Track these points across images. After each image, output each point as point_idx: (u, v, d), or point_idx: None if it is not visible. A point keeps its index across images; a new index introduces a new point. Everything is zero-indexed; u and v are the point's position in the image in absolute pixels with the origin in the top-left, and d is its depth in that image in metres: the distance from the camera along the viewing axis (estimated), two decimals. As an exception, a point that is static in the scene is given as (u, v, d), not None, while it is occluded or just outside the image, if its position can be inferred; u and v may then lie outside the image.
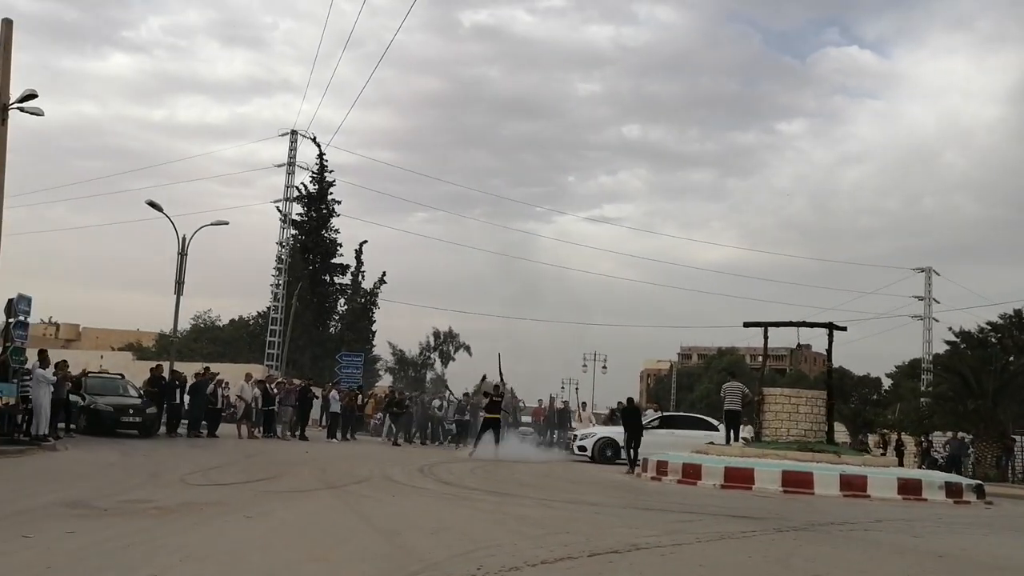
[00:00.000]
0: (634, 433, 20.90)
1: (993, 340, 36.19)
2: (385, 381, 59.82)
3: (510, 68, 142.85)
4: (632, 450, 20.68)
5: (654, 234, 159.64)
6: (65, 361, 19.71)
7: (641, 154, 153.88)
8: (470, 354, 67.40)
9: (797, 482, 15.32)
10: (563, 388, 66.25)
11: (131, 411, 20.65)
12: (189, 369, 25.50)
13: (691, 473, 16.68)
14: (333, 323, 51.99)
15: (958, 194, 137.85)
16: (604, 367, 65.89)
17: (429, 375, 68.52)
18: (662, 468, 17.64)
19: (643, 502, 12.67)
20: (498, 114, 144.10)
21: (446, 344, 67.71)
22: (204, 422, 23.34)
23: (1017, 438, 32.49)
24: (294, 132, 46.58)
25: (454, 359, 67.71)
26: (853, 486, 15.26)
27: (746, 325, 21.64)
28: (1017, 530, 12.04)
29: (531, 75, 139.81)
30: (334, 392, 27.93)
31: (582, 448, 24.34)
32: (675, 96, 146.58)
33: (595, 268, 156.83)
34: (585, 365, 65.52)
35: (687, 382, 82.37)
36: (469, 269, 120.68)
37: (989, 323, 36.99)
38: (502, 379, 24.95)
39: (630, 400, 23.25)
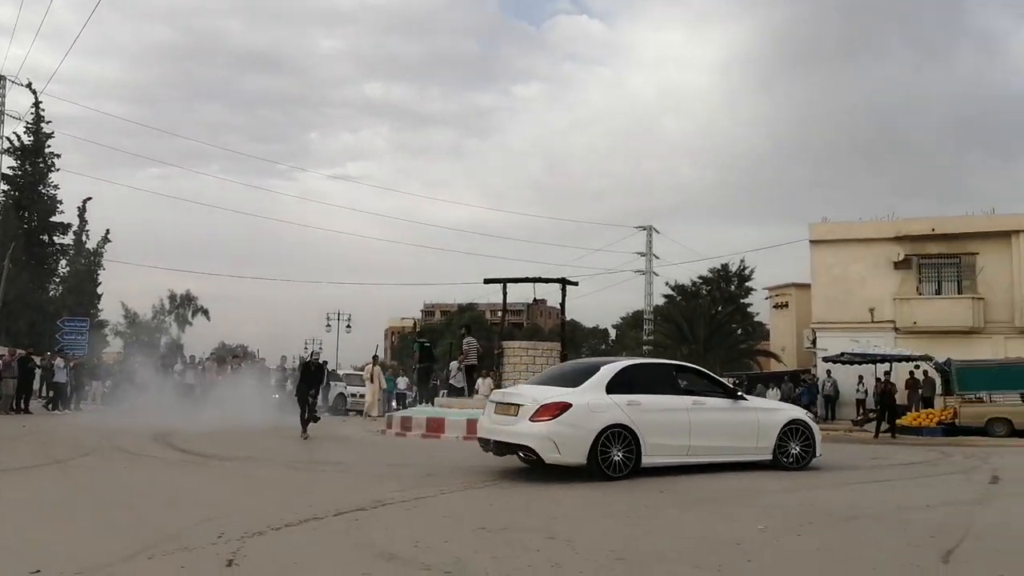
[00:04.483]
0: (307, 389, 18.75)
1: (704, 292, 39.45)
2: (115, 346, 56.28)
3: (249, 21, 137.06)
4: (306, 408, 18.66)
5: (398, 192, 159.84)
6: None
7: (384, 113, 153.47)
8: (208, 318, 64.81)
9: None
10: (306, 348, 65.18)
11: None
12: None
13: (435, 427, 17.17)
14: (53, 286, 48.07)
15: (675, 157, 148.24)
16: (348, 326, 65.20)
17: (164, 340, 65.18)
18: (407, 424, 17.97)
19: (388, 458, 12.89)
20: (236, 68, 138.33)
21: (183, 308, 64.62)
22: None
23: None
24: (2, 77, 42.41)
25: (191, 323, 64.79)
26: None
27: (486, 282, 22.40)
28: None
29: (272, 29, 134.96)
30: (59, 360, 25.95)
31: None
32: (416, 56, 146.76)
33: (340, 227, 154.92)
34: (329, 324, 64.64)
35: (431, 338, 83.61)
36: (206, 228, 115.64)
37: (700, 277, 40.24)
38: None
39: (314, 355, 21.23)
